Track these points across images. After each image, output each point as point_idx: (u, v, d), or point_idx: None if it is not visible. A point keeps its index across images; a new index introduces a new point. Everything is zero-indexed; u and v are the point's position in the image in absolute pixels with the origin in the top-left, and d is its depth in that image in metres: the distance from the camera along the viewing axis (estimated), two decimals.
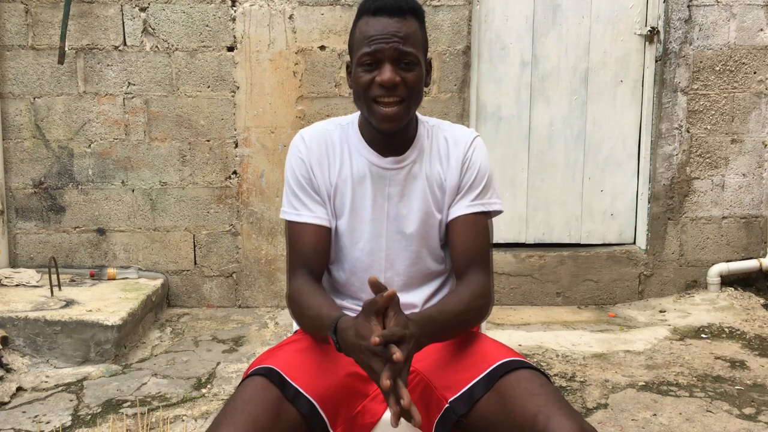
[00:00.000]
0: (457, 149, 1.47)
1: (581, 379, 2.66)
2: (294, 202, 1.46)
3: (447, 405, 1.27)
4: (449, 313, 1.33)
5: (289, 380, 1.26)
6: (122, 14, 3.34)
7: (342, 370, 1.34)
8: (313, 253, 1.44)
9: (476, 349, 1.36)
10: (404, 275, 1.47)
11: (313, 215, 1.45)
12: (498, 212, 1.50)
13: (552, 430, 1.12)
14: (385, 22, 1.34)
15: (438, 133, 1.50)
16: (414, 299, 1.47)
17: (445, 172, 1.46)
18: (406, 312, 1.37)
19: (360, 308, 1.24)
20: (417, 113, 1.49)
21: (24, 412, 2.42)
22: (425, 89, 1.47)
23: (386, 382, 1.10)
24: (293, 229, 1.46)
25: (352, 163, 1.46)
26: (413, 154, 1.46)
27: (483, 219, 1.46)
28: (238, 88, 3.39)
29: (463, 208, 1.45)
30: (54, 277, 3.08)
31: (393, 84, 1.34)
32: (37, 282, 3.25)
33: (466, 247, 1.44)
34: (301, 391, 1.26)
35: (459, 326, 1.37)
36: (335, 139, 1.47)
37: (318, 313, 1.32)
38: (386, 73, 1.33)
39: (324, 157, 1.46)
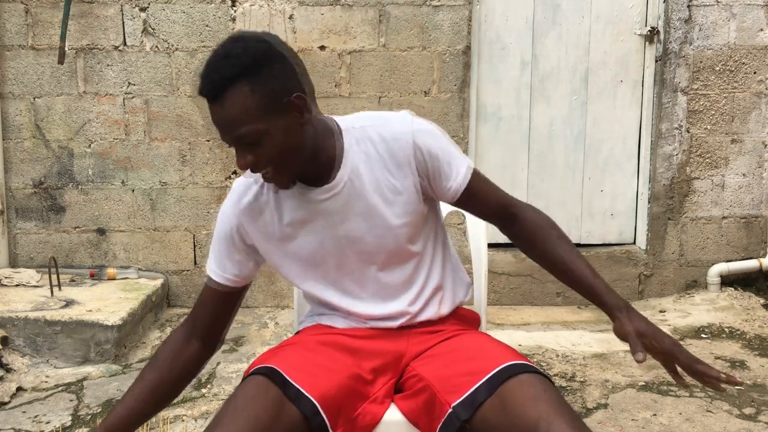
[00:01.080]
0: (401, 147, 1.34)
1: (581, 379, 2.66)
2: (212, 256, 1.44)
3: (450, 410, 1.26)
4: (569, 250, 1.40)
5: (290, 380, 1.26)
6: (122, 14, 3.34)
7: (344, 371, 1.34)
8: (209, 314, 1.43)
9: (479, 351, 1.35)
10: (382, 289, 1.42)
11: (225, 272, 1.42)
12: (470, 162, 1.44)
13: None
14: (212, 109, 1.22)
15: (370, 135, 1.35)
16: (401, 306, 1.42)
17: (396, 176, 1.35)
18: (400, 320, 1.40)
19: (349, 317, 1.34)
20: (338, 121, 1.37)
21: (24, 412, 2.43)
22: (311, 118, 1.28)
23: None
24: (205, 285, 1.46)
25: (286, 209, 1.38)
26: (344, 174, 1.34)
27: (475, 176, 1.41)
28: None
29: (459, 185, 1.38)
30: (54, 277, 3.08)
31: (247, 168, 1.25)
32: (37, 282, 3.25)
33: (491, 203, 1.45)
34: (303, 391, 1.25)
35: (568, 243, 1.43)
36: (258, 191, 1.40)
37: (123, 396, 1.41)
38: (239, 160, 1.25)
39: (257, 212, 1.40)
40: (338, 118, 1.39)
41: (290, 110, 1.24)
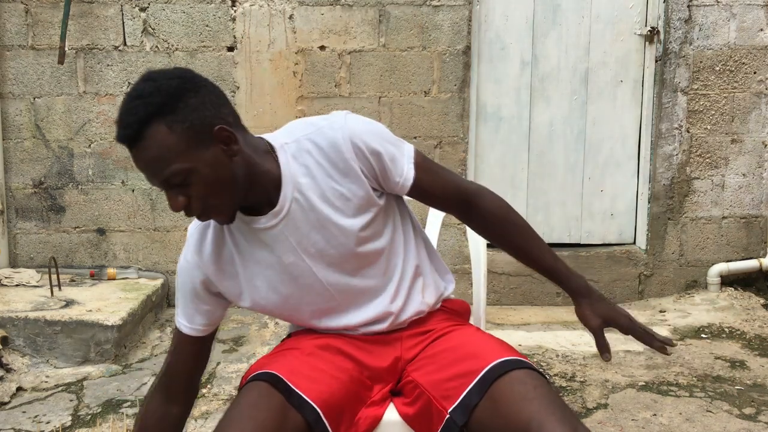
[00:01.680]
0: (341, 152, 1.28)
1: (581, 379, 2.66)
2: (180, 309, 1.42)
3: (447, 416, 1.26)
4: (528, 236, 1.41)
5: (293, 387, 1.25)
6: (122, 14, 3.34)
7: (344, 376, 1.33)
8: (184, 364, 1.43)
9: (469, 350, 1.34)
10: (361, 295, 1.39)
11: (194, 324, 1.40)
12: (416, 150, 1.37)
13: None
14: (134, 155, 1.18)
15: (306, 147, 1.29)
16: (382, 307, 1.39)
17: (342, 183, 1.29)
18: (386, 322, 1.39)
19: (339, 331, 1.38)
20: (268, 139, 1.32)
21: (24, 412, 2.42)
22: (235, 155, 1.22)
23: None
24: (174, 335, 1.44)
25: (242, 246, 1.34)
26: (287, 193, 1.29)
27: (422, 161, 1.35)
28: (238, 88, 3.39)
29: (406, 179, 1.33)
30: (54, 277, 3.08)
31: (181, 209, 1.20)
32: (37, 282, 3.25)
33: (446, 189, 1.39)
34: (305, 397, 1.25)
35: (525, 227, 1.42)
36: (213, 235, 1.36)
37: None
38: (171, 201, 1.20)
39: (217, 257, 1.36)
40: (268, 137, 1.33)
41: (215, 143, 1.19)
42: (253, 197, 1.28)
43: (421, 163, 1.36)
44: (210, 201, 1.21)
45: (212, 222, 1.35)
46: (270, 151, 1.30)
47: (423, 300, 1.43)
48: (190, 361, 1.43)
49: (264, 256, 1.34)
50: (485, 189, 1.42)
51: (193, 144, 1.17)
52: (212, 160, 1.19)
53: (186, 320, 1.40)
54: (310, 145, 1.29)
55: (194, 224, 1.38)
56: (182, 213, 1.23)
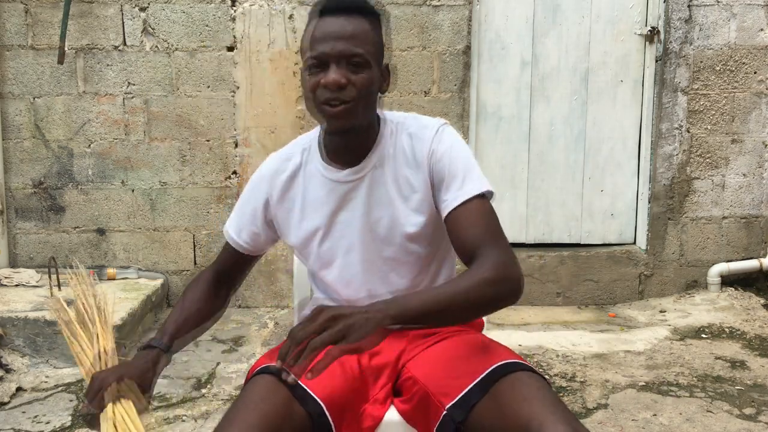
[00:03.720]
0: (422, 146, 1.36)
1: (581, 380, 2.66)
2: (234, 217, 1.53)
3: (445, 412, 1.26)
4: (445, 289, 1.22)
5: (298, 381, 1.26)
6: (122, 14, 3.34)
7: (347, 372, 1.34)
8: (225, 268, 1.55)
9: (473, 351, 1.35)
10: (386, 285, 1.42)
11: (239, 238, 1.51)
12: (491, 192, 1.35)
13: None
14: (330, 22, 1.29)
15: (402, 132, 1.40)
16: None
17: (414, 173, 1.37)
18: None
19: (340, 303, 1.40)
20: (383, 112, 1.43)
21: (24, 412, 2.42)
22: (381, 95, 1.39)
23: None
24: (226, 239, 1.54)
25: (310, 188, 1.43)
26: (372, 160, 1.38)
27: (476, 203, 1.31)
28: (238, 88, 3.39)
29: (450, 202, 1.31)
30: (54, 277, 3.08)
31: (338, 86, 1.26)
32: (37, 282, 3.25)
33: (468, 236, 1.28)
34: (310, 392, 1.26)
35: (467, 303, 1.20)
36: (293, 168, 1.46)
37: (166, 320, 1.45)
38: (331, 75, 1.26)
39: (283, 191, 1.46)
40: (384, 111, 1.45)
41: (383, 71, 1.36)
42: (353, 141, 1.38)
43: (474, 207, 1.31)
44: (360, 96, 1.30)
45: (292, 159, 1.46)
46: (380, 119, 1.42)
47: None
48: (229, 266, 1.55)
49: (322, 206, 1.41)
50: (508, 264, 1.28)
51: (376, 53, 1.33)
52: (377, 77, 1.33)
53: (234, 232, 1.51)
54: (405, 131, 1.40)
55: (276, 154, 1.50)
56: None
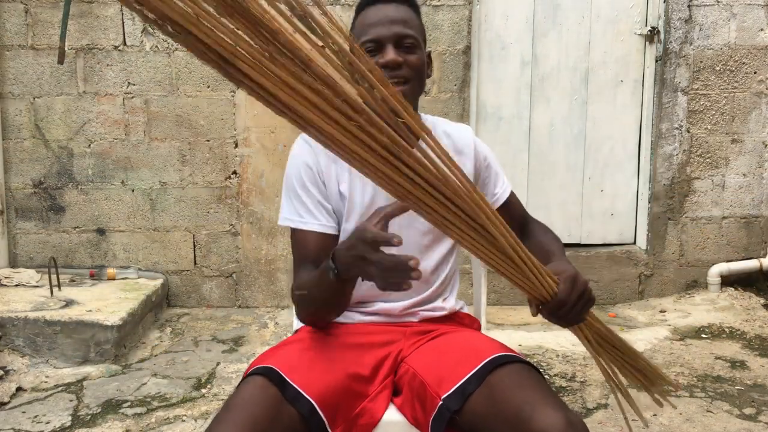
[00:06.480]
0: (463, 139, 1.52)
1: (581, 379, 2.66)
2: (299, 208, 1.42)
3: (440, 402, 1.27)
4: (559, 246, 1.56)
5: (288, 380, 1.26)
6: (122, 14, 3.34)
7: (342, 371, 1.34)
8: (318, 262, 1.37)
9: (470, 345, 1.37)
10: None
11: (319, 223, 1.41)
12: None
13: (537, 420, 1.13)
14: (382, 8, 1.39)
15: (437, 128, 1.53)
16: (414, 284, 1.43)
17: (458, 158, 1.47)
18: (408, 300, 1.48)
19: (367, 312, 1.39)
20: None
21: (24, 412, 2.42)
22: (426, 80, 1.49)
23: (414, 262, 1.04)
24: (298, 236, 1.42)
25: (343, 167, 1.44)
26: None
27: (513, 193, 1.62)
28: (238, 87, 3.38)
29: (502, 195, 1.58)
30: (54, 277, 3.08)
31: (396, 64, 1.36)
32: (37, 282, 3.25)
33: (520, 215, 1.63)
34: (301, 391, 1.26)
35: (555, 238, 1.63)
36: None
37: (316, 272, 1.28)
38: (389, 54, 1.36)
39: (331, 162, 1.43)
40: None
41: (427, 58, 1.45)
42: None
43: (514, 196, 1.64)
44: (415, 74, 1.39)
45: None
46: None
47: (443, 304, 1.52)
48: (322, 256, 1.34)
49: (370, 183, 1.42)
50: (543, 224, 1.68)
51: (422, 40, 1.44)
52: (423, 59, 1.43)
53: (311, 218, 1.41)
54: (440, 129, 1.53)
55: (303, 136, 1.47)
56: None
